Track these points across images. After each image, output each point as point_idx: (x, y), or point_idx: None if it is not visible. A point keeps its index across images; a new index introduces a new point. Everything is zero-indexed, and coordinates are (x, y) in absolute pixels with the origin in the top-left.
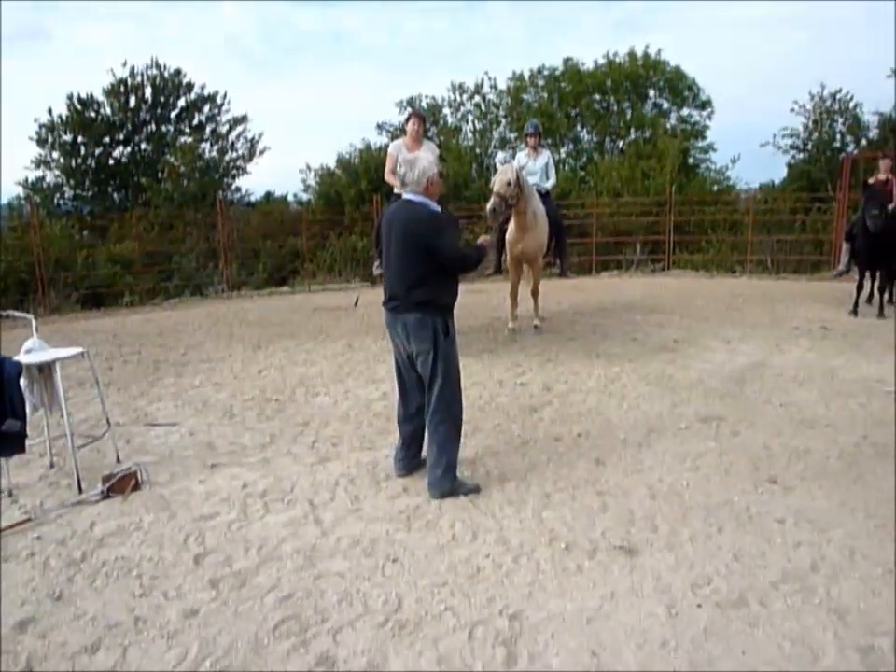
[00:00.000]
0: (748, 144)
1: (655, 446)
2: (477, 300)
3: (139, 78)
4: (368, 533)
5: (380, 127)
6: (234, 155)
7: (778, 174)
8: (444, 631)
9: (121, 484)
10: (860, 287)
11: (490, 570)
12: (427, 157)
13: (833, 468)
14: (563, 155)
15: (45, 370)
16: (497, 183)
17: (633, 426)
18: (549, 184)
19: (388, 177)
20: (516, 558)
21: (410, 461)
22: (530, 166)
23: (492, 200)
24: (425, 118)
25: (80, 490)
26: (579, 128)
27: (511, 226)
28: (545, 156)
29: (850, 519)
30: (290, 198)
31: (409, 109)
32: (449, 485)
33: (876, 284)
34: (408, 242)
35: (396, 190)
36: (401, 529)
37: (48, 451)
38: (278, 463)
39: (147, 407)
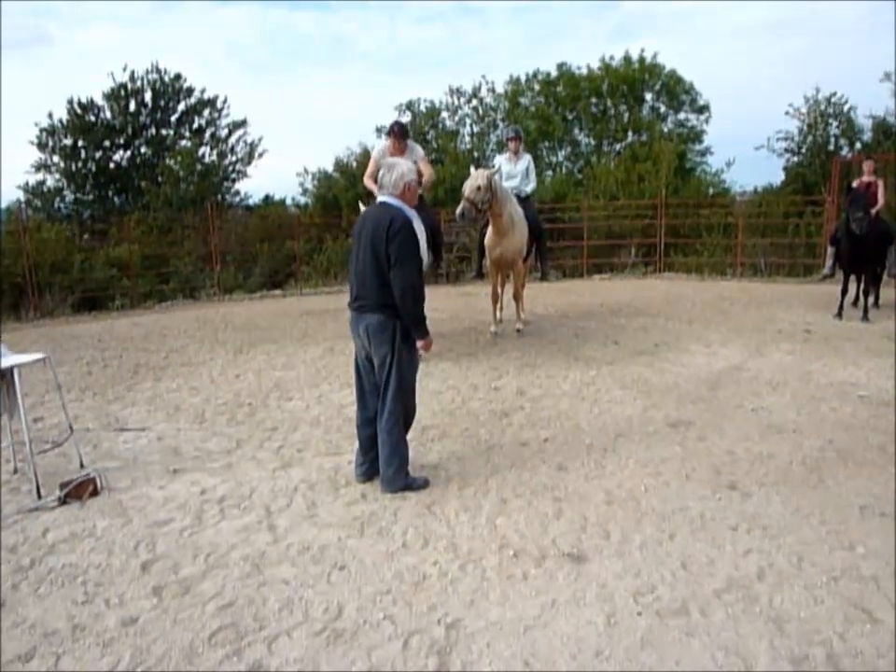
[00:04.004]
0: (745, 147)
1: (620, 451)
2: (463, 302)
3: (139, 83)
4: (319, 539)
5: (378, 130)
6: (234, 158)
7: (778, 177)
8: (380, 640)
9: (79, 490)
10: (844, 291)
11: (435, 578)
12: (406, 162)
13: (795, 473)
14: (560, 158)
15: (6, 375)
16: (467, 188)
17: (601, 430)
18: (529, 188)
19: (366, 181)
20: (463, 566)
21: (370, 467)
22: (511, 170)
23: (461, 205)
24: (406, 130)
25: (39, 496)
26: (576, 131)
27: (490, 230)
28: (525, 160)
29: (803, 525)
30: (289, 201)
31: (408, 112)
32: (402, 483)
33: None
34: (375, 242)
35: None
36: (353, 536)
37: (12, 457)
38: (241, 468)
39: (119, 412)
